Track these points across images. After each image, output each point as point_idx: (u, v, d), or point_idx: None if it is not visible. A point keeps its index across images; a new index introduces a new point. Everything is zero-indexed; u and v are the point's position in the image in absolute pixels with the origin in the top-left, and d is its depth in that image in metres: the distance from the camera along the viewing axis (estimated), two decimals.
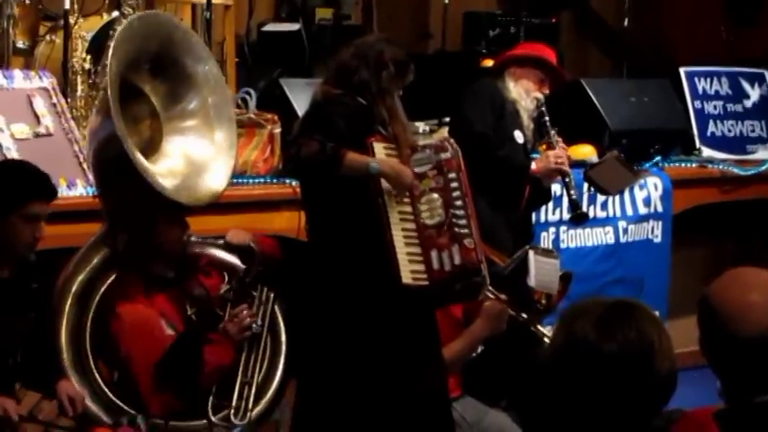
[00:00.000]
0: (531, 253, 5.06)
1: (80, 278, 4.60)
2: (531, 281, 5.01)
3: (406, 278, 4.50)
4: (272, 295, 4.65)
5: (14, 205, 4.20)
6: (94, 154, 4.70)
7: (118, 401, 4.51)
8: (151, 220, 4.57)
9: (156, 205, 4.53)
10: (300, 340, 4.72)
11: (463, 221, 4.58)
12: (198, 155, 4.79)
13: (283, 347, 4.69)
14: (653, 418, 2.49)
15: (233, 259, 4.71)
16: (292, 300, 4.75)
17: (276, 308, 4.71)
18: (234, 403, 4.51)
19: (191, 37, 4.81)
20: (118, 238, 4.59)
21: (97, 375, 4.55)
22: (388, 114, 4.60)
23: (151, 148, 4.67)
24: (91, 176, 5.39)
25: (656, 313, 2.58)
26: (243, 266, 4.68)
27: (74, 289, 4.58)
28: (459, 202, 4.60)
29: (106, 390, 4.53)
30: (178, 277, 4.63)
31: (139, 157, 4.45)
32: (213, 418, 4.45)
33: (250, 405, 4.53)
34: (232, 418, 4.49)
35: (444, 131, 4.87)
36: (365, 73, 4.60)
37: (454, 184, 4.61)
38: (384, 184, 4.52)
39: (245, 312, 4.56)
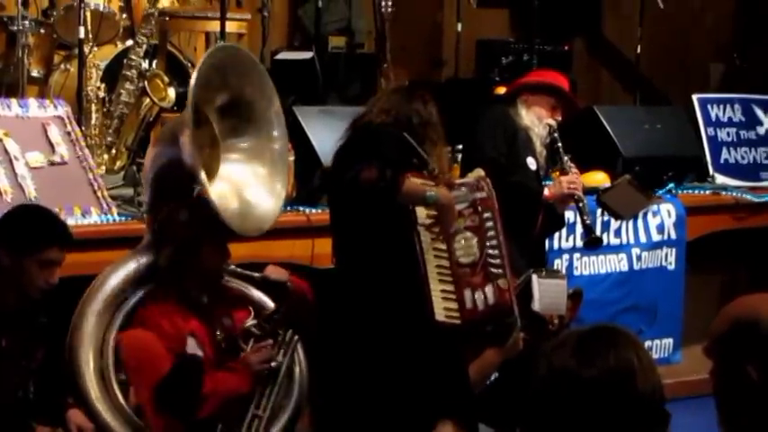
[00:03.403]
0: (534, 277, 5.02)
1: (110, 289, 4.60)
2: (536, 305, 4.98)
3: (439, 315, 4.50)
4: (296, 338, 4.65)
5: (30, 249, 4.23)
6: (156, 174, 4.70)
7: (136, 418, 4.48)
8: (198, 240, 4.56)
9: (205, 227, 4.54)
10: (325, 368, 4.72)
11: (497, 261, 4.59)
12: (250, 189, 4.78)
13: (296, 391, 4.66)
14: None
15: (262, 296, 4.72)
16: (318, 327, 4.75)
17: (298, 350, 4.70)
18: None
19: (267, 80, 4.79)
20: (162, 252, 4.59)
21: (118, 391, 4.51)
22: (431, 145, 4.62)
23: (208, 174, 4.67)
24: (105, 204, 5.42)
25: (635, 334, 2.56)
26: (270, 304, 4.69)
27: (101, 301, 4.57)
28: (493, 242, 4.61)
29: (125, 406, 4.51)
30: (210, 304, 4.62)
31: (205, 179, 4.46)
32: None
33: None
34: None
35: (480, 171, 4.86)
36: (406, 106, 4.63)
37: (489, 224, 4.62)
38: (420, 219, 4.52)
39: (268, 347, 4.56)
